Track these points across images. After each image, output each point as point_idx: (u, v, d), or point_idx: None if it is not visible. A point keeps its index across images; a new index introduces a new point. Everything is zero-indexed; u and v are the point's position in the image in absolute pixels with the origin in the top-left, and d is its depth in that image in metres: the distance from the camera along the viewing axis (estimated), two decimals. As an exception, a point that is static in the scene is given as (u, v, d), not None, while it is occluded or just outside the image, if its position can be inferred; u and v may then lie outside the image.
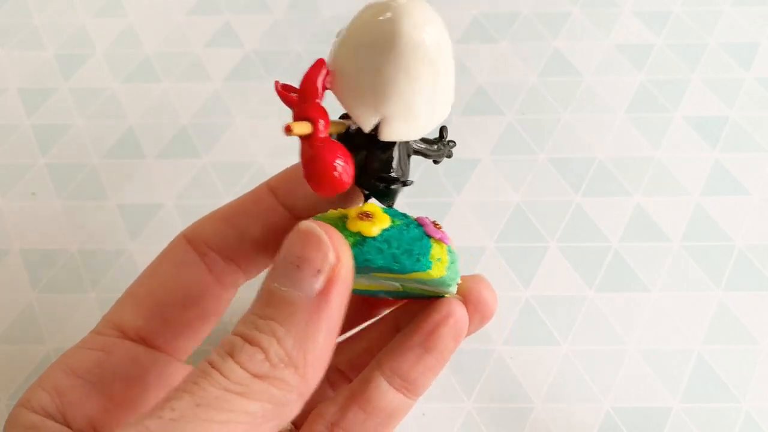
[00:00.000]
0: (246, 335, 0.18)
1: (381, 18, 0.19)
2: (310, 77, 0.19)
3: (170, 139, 0.42)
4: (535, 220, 0.38)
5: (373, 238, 0.21)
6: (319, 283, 0.19)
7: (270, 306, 0.19)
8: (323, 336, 0.19)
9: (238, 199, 0.26)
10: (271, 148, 0.41)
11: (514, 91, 0.43)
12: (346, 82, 0.20)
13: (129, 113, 0.43)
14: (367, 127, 0.20)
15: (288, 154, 0.39)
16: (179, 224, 0.38)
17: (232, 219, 0.26)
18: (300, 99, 0.20)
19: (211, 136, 0.42)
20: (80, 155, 0.41)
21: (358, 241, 0.21)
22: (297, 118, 0.19)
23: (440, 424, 0.33)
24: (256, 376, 0.18)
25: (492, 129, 0.42)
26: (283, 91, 0.20)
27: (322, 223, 0.20)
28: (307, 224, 0.19)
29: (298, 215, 0.25)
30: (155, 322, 0.24)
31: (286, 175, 0.26)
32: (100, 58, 0.45)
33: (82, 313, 0.36)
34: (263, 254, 0.26)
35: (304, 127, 0.19)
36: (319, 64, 0.20)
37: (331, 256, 0.19)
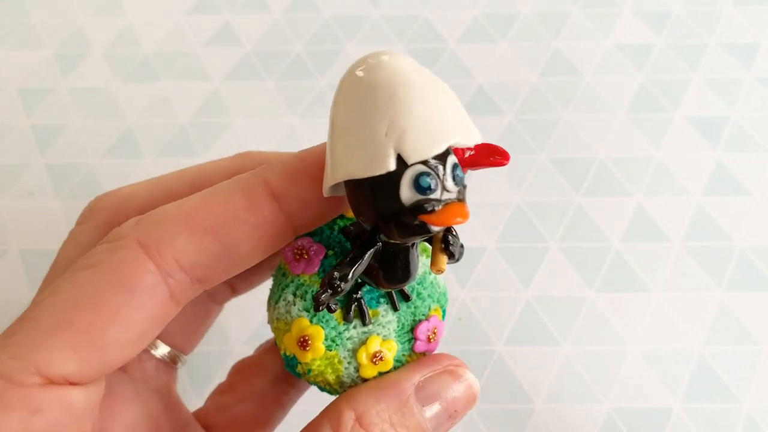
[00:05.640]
0: None
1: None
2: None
3: (169, 139, 0.41)
4: (535, 221, 0.38)
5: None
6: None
7: (408, 421, 0.21)
8: None
9: (222, 200, 0.20)
10: (271, 148, 0.41)
11: (514, 91, 0.43)
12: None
13: (128, 113, 0.42)
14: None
15: (287, 154, 0.39)
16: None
17: (219, 231, 0.19)
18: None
19: (211, 136, 0.42)
20: (79, 155, 0.41)
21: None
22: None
23: (440, 425, 0.33)
24: None
25: (492, 129, 0.41)
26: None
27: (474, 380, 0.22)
28: (476, 384, 0.22)
29: (297, 225, 0.21)
30: (92, 366, 0.19)
31: (292, 174, 0.20)
32: (98, 58, 0.45)
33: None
34: (241, 274, 0.21)
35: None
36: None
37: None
